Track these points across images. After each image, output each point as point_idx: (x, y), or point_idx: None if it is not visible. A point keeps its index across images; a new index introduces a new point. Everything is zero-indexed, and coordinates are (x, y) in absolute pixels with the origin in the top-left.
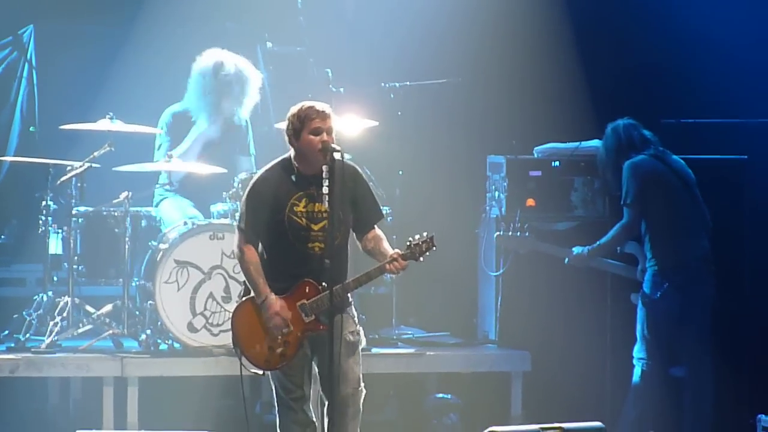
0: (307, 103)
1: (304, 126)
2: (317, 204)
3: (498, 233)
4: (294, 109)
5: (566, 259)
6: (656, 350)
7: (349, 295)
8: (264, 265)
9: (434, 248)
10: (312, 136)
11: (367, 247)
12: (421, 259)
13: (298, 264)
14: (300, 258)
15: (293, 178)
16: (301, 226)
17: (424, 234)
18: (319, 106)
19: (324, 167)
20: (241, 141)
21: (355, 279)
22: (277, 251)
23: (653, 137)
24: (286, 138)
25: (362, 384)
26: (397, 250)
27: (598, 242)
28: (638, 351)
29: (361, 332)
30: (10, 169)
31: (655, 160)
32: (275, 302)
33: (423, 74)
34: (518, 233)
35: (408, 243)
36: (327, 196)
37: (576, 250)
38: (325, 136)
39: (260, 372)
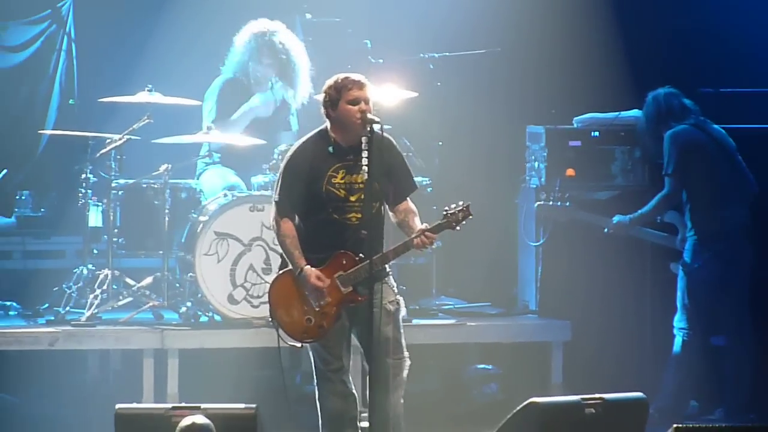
0: (342, 74)
1: (341, 96)
2: (355, 175)
3: (539, 202)
4: (330, 81)
5: (606, 228)
6: (696, 319)
7: (387, 265)
8: (301, 236)
9: (471, 217)
10: (350, 106)
11: (398, 219)
12: (458, 227)
13: (336, 235)
14: (337, 229)
15: (330, 149)
16: (339, 197)
17: (460, 203)
18: (355, 76)
19: (363, 138)
20: (284, 117)
21: (392, 249)
22: (315, 222)
23: (694, 106)
24: (323, 110)
25: (406, 353)
26: (425, 224)
27: (639, 211)
28: (679, 320)
29: (401, 301)
30: (49, 142)
31: (696, 129)
32: (311, 273)
33: (462, 45)
34: (559, 202)
35: (444, 212)
36: (366, 167)
37: (616, 219)
38: (363, 105)
39: (298, 344)
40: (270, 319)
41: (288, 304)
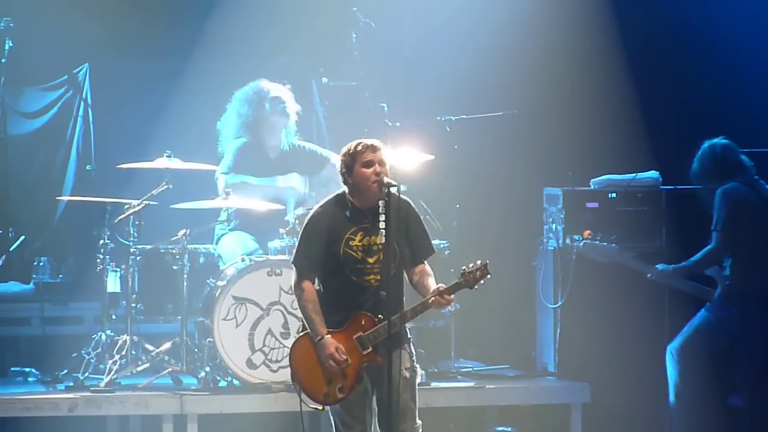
0: (356, 141)
1: (356, 161)
2: (372, 237)
3: (585, 241)
4: (344, 149)
5: (649, 274)
6: (691, 359)
7: (407, 330)
8: (320, 298)
9: (488, 276)
10: (364, 169)
11: (414, 281)
12: (476, 287)
13: (355, 296)
14: (356, 290)
15: (348, 213)
16: (357, 259)
17: (478, 262)
18: (369, 140)
19: (380, 202)
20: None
21: (411, 309)
22: (334, 284)
23: (749, 162)
24: (340, 177)
25: (419, 421)
26: (441, 285)
27: (683, 263)
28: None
29: (418, 368)
30: (67, 208)
31: (747, 188)
32: (330, 343)
33: (479, 107)
34: (605, 243)
35: (462, 271)
36: (383, 230)
37: (660, 267)
38: (377, 168)
39: (320, 407)
40: (291, 382)
41: (309, 367)
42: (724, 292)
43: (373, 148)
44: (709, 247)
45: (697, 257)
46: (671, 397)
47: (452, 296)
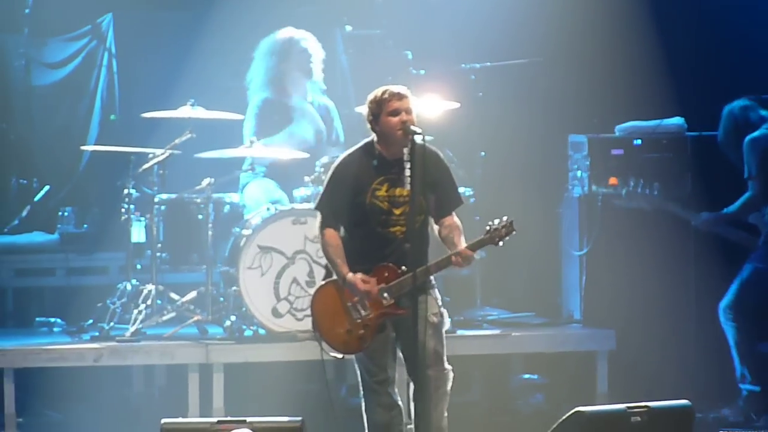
0: (382, 88)
1: (382, 109)
2: (398, 188)
3: (626, 189)
4: (371, 96)
5: (693, 222)
6: (743, 316)
7: (432, 277)
8: (345, 248)
9: (514, 232)
10: (391, 117)
11: (442, 234)
12: (501, 243)
13: (379, 247)
14: (381, 241)
15: (375, 162)
16: (382, 210)
17: (504, 218)
18: (395, 88)
19: (405, 150)
20: (329, 129)
21: (435, 263)
22: (358, 234)
23: None
24: (368, 125)
25: (448, 366)
26: (464, 246)
27: (724, 210)
28: (726, 310)
29: (445, 314)
30: (91, 158)
31: None
32: (357, 278)
33: (503, 55)
34: (647, 190)
35: (487, 227)
36: (408, 180)
37: (704, 215)
38: (404, 116)
39: (339, 356)
40: (312, 331)
41: (330, 316)
42: (766, 238)
43: (400, 96)
44: (747, 194)
45: (736, 205)
46: (734, 355)
47: (473, 254)
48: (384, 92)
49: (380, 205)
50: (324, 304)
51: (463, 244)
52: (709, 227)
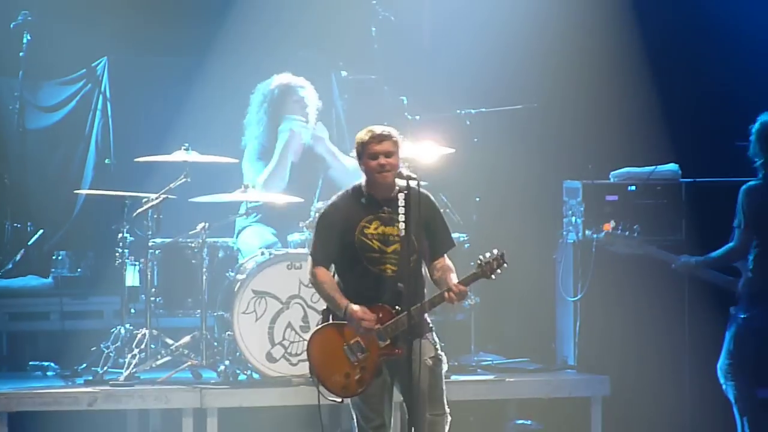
0: (367, 128)
1: (364, 151)
2: (390, 227)
3: (607, 231)
4: (357, 136)
5: (673, 265)
6: (740, 368)
7: (429, 320)
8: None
9: (505, 265)
10: (370, 160)
11: (434, 276)
12: (493, 276)
13: (372, 287)
14: (374, 281)
15: (363, 201)
16: (372, 248)
17: (495, 251)
18: (378, 129)
19: (400, 195)
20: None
21: (428, 301)
22: (350, 275)
23: None
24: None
25: (447, 409)
26: (455, 282)
27: (705, 257)
28: (722, 368)
29: (443, 357)
30: (86, 202)
31: None
32: (357, 309)
33: (498, 100)
34: (627, 232)
35: (478, 261)
36: (403, 222)
37: (683, 258)
38: (382, 160)
39: (338, 399)
40: (310, 376)
41: (327, 360)
42: (747, 289)
43: (380, 139)
44: (730, 244)
45: (719, 253)
46: (736, 414)
47: (466, 288)
48: (365, 132)
49: (370, 243)
50: (321, 348)
51: (455, 281)
52: (689, 270)
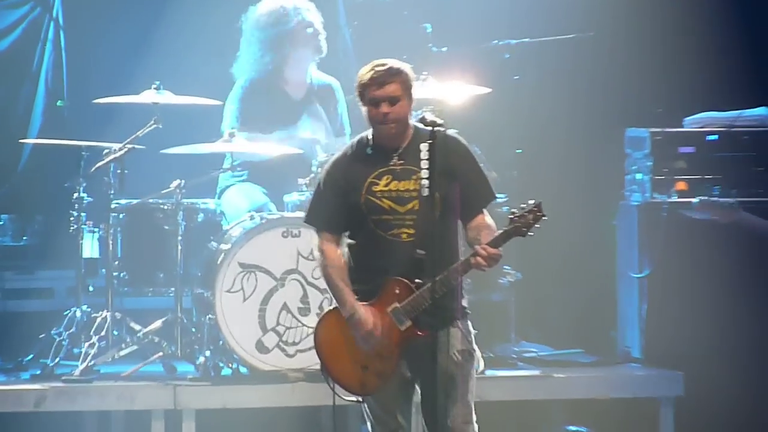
0: (371, 64)
1: (364, 96)
2: (404, 181)
3: (700, 197)
4: (359, 73)
5: None
6: None
7: (464, 303)
8: (348, 265)
9: (544, 217)
10: (370, 107)
11: (469, 238)
12: (530, 233)
13: (384, 257)
14: (385, 249)
15: (369, 151)
16: (382, 208)
17: (530, 202)
18: (382, 67)
19: (422, 146)
20: (331, 116)
21: (453, 269)
22: (358, 244)
23: None
24: None
25: (474, 417)
26: (487, 242)
27: None
28: None
29: (476, 351)
30: (33, 153)
31: None
32: (367, 318)
33: (545, 29)
34: (722, 199)
35: (511, 216)
36: (426, 180)
37: None
38: (384, 108)
39: (354, 399)
40: (321, 374)
41: (340, 350)
42: None
43: (381, 81)
44: None
45: None
46: None
47: (497, 250)
48: (367, 72)
49: (379, 203)
50: (332, 335)
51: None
52: None
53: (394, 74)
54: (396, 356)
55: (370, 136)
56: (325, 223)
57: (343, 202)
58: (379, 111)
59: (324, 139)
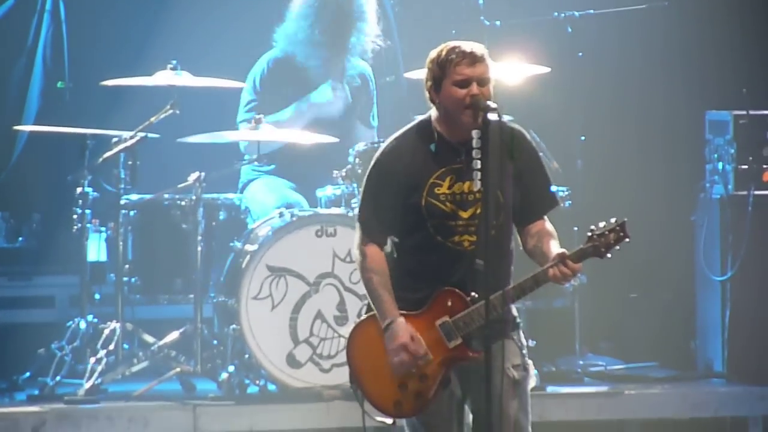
0: (451, 43)
1: (446, 74)
2: (468, 183)
3: None
4: (434, 53)
5: None
6: None
7: (515, 313)
8: (393, 269)
9: (627, 240)
10: (456, 89)
11: (529, 246)
12: (609, 255)
13: (441, 266)
14: (443, 257)
15: (433, 147)
16: (445, 213)
17: (612, 220)
18: (468, 46)
19: (474, 133)
20: (362, 109)
21: (517, 285)
22: (412, 248)
23: None
24: (426, 93)
25: None
26: (563, 250)
27: None
28: None
29: (531, 366)
30: (29, 142)
31: None
32: (403, 330)
33: None
34: None
35: (590, 233)
36: (479, 172)
37: None
38: (475, 88)
39: (389, 421)
40: (350, 386)
41: (375, 365)
42: None
43: (473, 58)
44: None
45: None
46: None
47: (579, 265)
48: (451, 50)
49: (441, 207)
50: (367, 348)
51: (558, 250)
52: None
53: (485, 55)
54: (439, 377)
55: (434, 127)
56: (377, 225)
57: (400, 202)
58: (470, 92)
59: (341, 112)
